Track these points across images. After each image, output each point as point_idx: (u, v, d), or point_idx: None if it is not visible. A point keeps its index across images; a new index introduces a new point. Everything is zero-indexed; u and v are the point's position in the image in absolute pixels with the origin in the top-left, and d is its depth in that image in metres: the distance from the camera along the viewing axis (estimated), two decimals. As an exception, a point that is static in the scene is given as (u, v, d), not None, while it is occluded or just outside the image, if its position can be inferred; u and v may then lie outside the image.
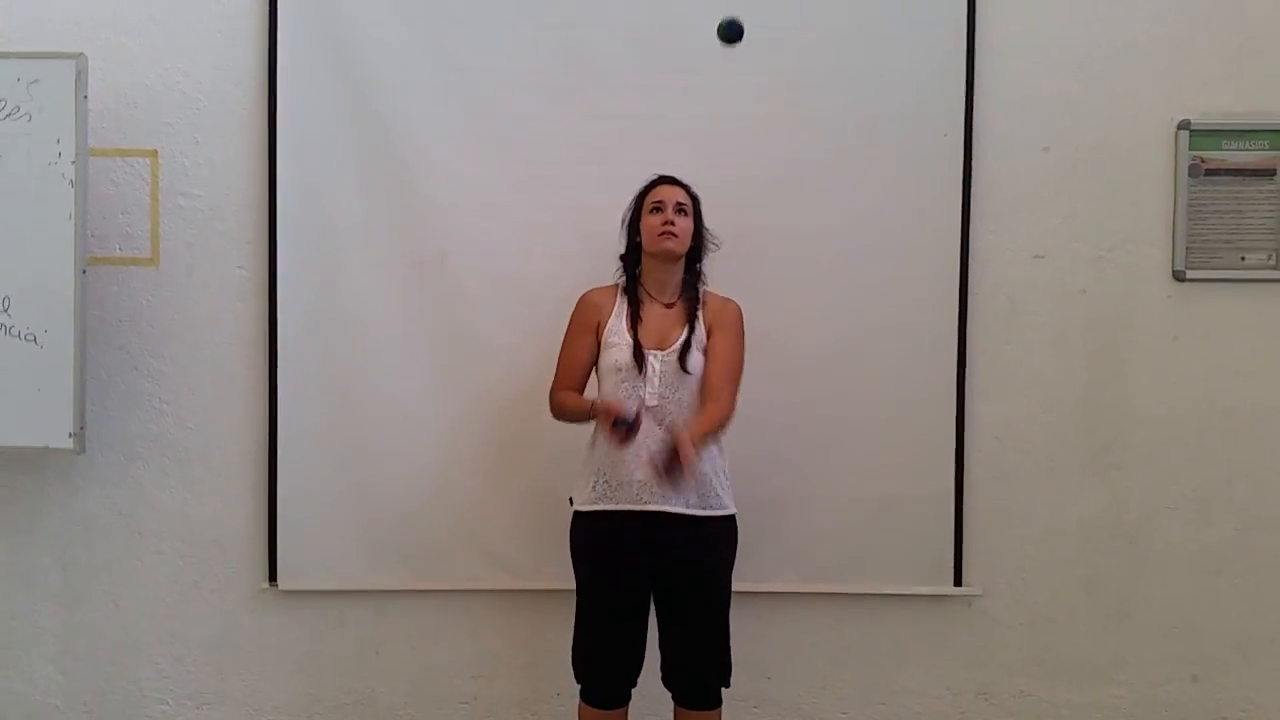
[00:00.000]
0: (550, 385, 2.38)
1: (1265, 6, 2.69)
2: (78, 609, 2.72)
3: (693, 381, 2.29)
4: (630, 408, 2.19)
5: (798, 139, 2.64)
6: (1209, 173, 2.71)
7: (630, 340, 2.29)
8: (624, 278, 2.39)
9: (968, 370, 2.69)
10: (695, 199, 2.38)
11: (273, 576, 2.68)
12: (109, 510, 2.71)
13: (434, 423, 2.65)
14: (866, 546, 2.70)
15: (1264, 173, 2.71)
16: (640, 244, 2.35)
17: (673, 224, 2.30)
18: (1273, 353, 2.74)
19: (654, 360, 2.27)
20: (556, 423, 2.61)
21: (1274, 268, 2.72)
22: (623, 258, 2.40)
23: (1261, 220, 2.71)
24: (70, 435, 2.46)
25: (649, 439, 2.22)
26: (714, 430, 2.24)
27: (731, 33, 2.43)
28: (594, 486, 2.29)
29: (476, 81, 2.63)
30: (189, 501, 2.70)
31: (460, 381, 2.65)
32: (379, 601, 2.71)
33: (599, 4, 2.63)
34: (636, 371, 2.27)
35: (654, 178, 2.39)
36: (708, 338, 2.34)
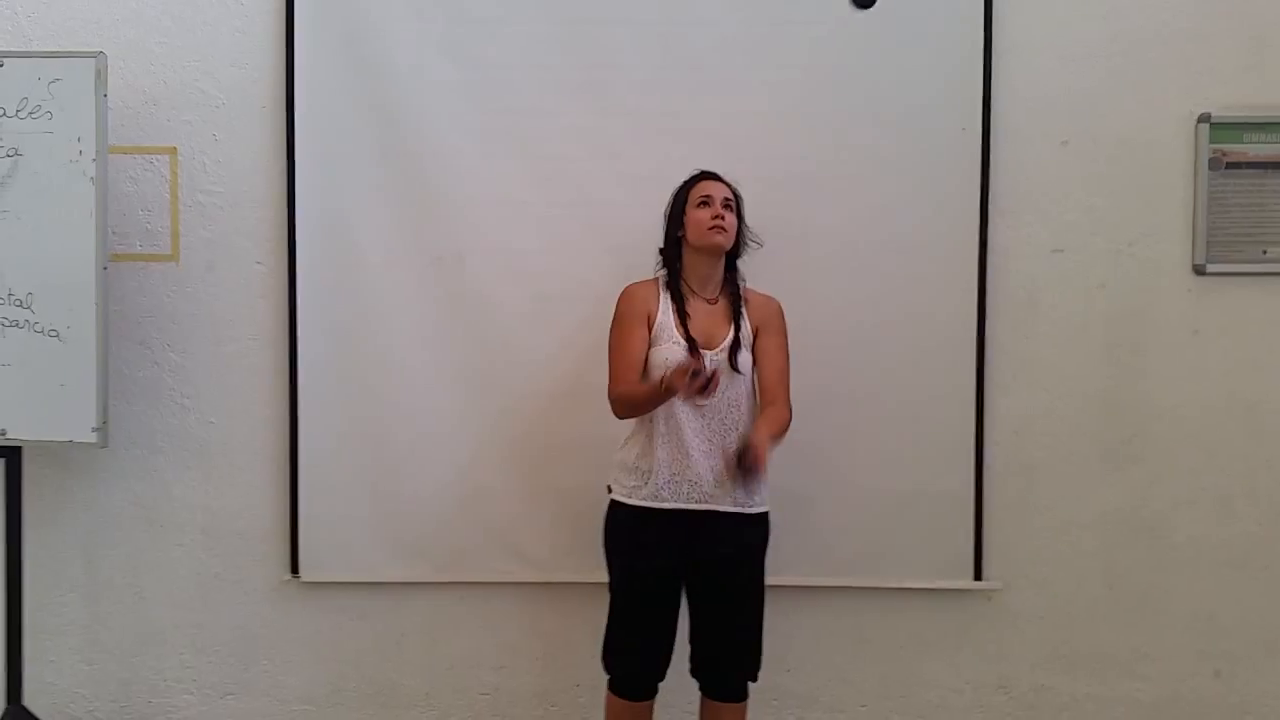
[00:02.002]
0: (608, 385, 2.30)
1: (1287, -3, 2.67)
2: (102, 600, 2.76)
3: (742, 381, 2.29)
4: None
5: (815, 134, 2.64)
6: (1230, 166, 2.69)
7: (683, 339, 2.27)
8: (665, 272, 2.38)
9: (987, 365, 2.68)
10: (738, 196, 2.38)
11: (295, 569, 2.70)
12: (132, 504, 2.73)
13: (453, 417, 2.66)
14: (887, 541, 2.69)
15: (1286, 165, 2.69)
16: (682, 238, 2.34)
17: (722, 218, 2.30)
18: (1295, 346, 2.72)
19: (707, 358, 2.26)
20: (574, 416, 2.64)
21: (1296, 260, 2.70)
22: (663, 251, 2.39)
23: (1284, 213, 2.70)
24: (94, 430, 2.48)
25: (699, 439, 2.25)
26: (779, 434, 2.25)
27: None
28: (643, 483, 2.28)
29: (493, 78, 2.63)
30: (211, 495, 2.72)
31: (479, 377, 2.66)
32: (399, 594, 2.72)
33: (614, 0, 2.62)
34: (694, 355, 2.25)
35: (697, 172, 2.39)
36: (754, 337, 2.34)
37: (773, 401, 2.30)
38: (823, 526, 2.67)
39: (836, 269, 2.65)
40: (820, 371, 2.62)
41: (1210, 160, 2.69)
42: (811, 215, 2.64)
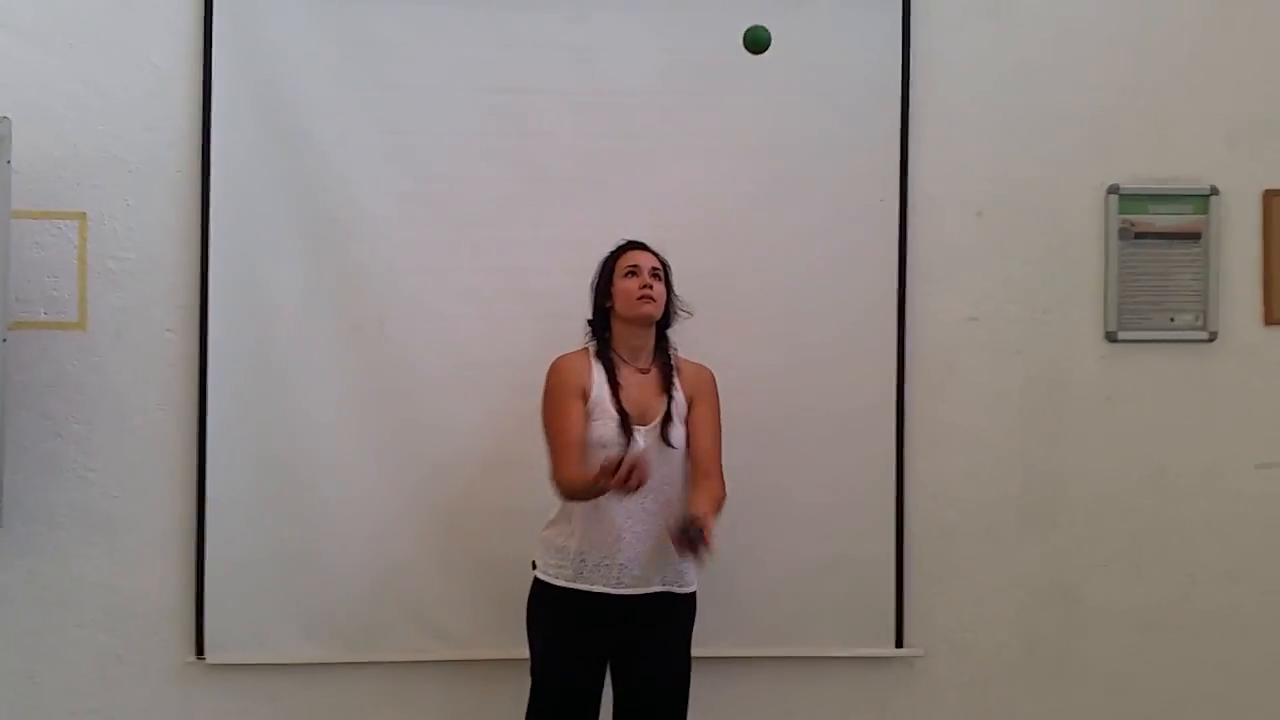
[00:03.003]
0: (552, 468, 2.23)
1: (1189, 75, 2.78)
2: (-6, 686, 2.62)
3: (675, 455, 2.26)
4: (635, 450, 2.12)
5: (736, 202, 2.66)
6: (1138, 236, 2.78)
7: (616, 414, 2.22)
8: (594, 343, 2.34)
9: (906, 430, 2.71)
10: (666, 264, 2.36)
11: (200, 650, 2.60)
12: (29, 582, 2.61)
13: (369, 491, 2.60)
14: (809, 608, 2.69)
15: (1190, 236, 2.78)
16: (610, 309, 2.32)
17: (650, 287, 2.28)
18: (1202, 411, 2.79)
19: (639, 435, 2.22)
20: (495, 488, 2.60)
21: (1201, 329, 2.78)
22: (591, 322, 2.35)
23: (1188, 282, 2.78)
24: (-12, 508, 2.38)
25: (631, 520, 2.21)
26: (718, 510, 2.20)
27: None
28: (568, 563, 2.24)
29: (416, 145, 2.61)
30: (114, 573, 2.61)
31: (397, 449, 2.61)
32: (310, 675, 2.63)
33: (538, 69, 2.63)
34: (624, 449, 2.18)
35: (623, 242, 2.36)
36: (689, 408, 2.31)
37: (707, 474, 2.26)
38: (745, 595, 2.65)
39: (758, 335, 2.67)
40: (741, 440, 2.59)
41: (1120, 230, 2.77)
42: (734, 282, 2.66)
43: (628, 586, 2.22)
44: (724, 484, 2.27)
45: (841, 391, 2.68)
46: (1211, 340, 2.78)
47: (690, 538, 2.05)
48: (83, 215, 2.61)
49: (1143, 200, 2.77)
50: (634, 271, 2.29)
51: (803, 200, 2.67)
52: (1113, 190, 2.76)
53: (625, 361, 2.31)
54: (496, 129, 2.63)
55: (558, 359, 2.31)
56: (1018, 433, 2.76)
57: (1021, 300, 2.76)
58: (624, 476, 1.99)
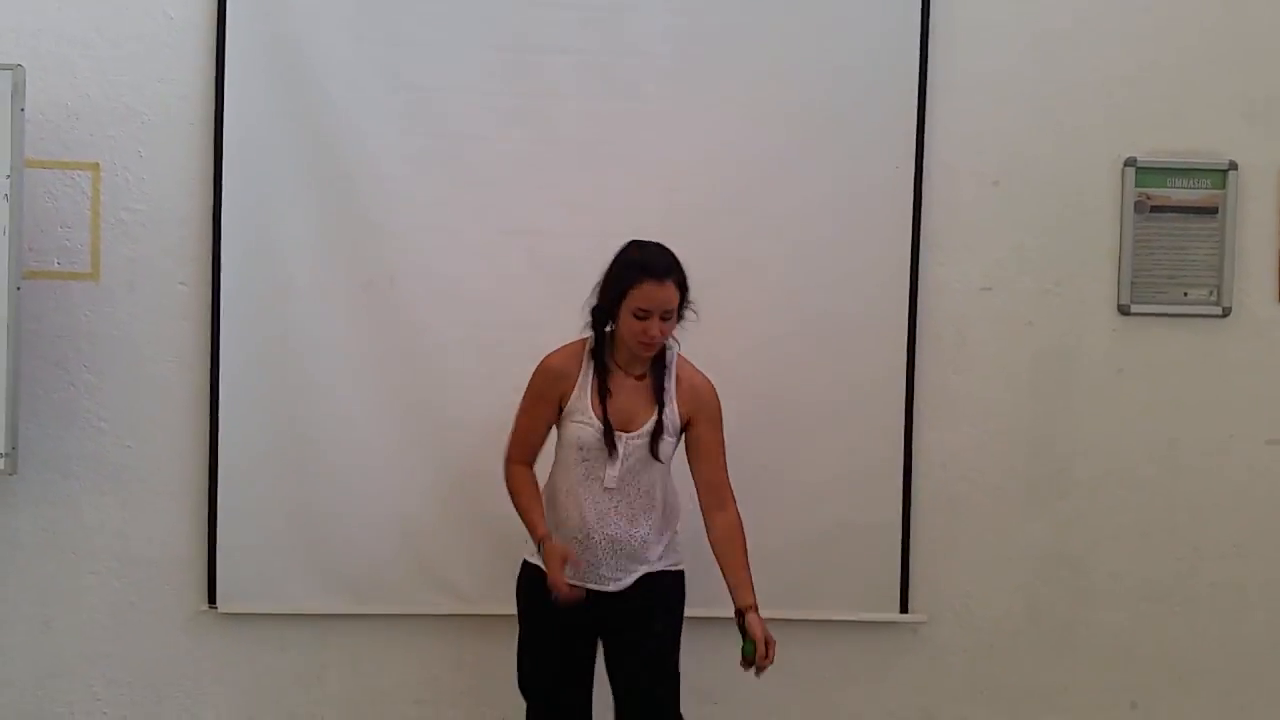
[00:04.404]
0: (506, 448, 2.28)
1: (1209, 49, 2.75)
2: (7, 631, 2.65)
3: (658, 469, 2.23)
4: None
5: (749, 169, 2.64)
6: (1154, 209, 2.76)
7: (599, 422, 2.17)
8: (591, 338, 2.22)
9: (916, 399, 2.71)
10: (684, 291, 2.18)
11: (212, 599, 2.62)
12: (42, 530, 2.63)
13: (379, 445, 2.61)
14: (815, 573, 2.70)
15: (1207, 210, 2.76)
16: (614, 318, 2.19)
17: (656, 337, 2.15)
18: (1213, 386, 2.79)
19: (622, 444, 2.18)
20: (502, 446, 2.60)
21: (1215, 303, 2.77)
22: (593, 316, 2.21)
23: (1204, 257, 2.76)
24: (2, 456, 2.39)
25: (602, 523, 2.19)
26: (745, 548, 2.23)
27: None
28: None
29: (429, 102, 2.60)
30: (126, 522, 2.64)
31: (407, 404, 2.62)
32: (321, 625, 2.66)
33: (553, 28, 2.61)
34: (604, 454, 2.17)
35: (639, 265, 2.15)
36: (687, 425, 2.24)
37: (722, 504, 2.23)
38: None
39: (768, 303, 2.67)
40: (750, 405, 2.61)
41: (1135, 203, 2.76)
42: (745, 249, 2.65)
43: (596, 584, 2.21)
44: (736, 505, 2.25)
45: (852, 360, 2.68)
46: (1225, 316, 2.77)
47: (755, 659, 2.14)
48: (96, 166, 2.60)
49: (1160, 174, 2.75)
50: (644, 315, 2.13)
51: (817, 167, 2.66)
52: (1130, 163, 2.74)
53: (619, 366, 2.23)
54: (510, 88, 2.61)
55: (549, 357, 2.25)
56: (1028, 404, 2.76)
57: (1035, 272, 2.75)
58: (553, 583, 2.08)
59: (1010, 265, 2.75)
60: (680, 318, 2.20)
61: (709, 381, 2.28)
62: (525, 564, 2.29)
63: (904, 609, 2.73)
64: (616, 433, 2.17)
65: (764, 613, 2.64)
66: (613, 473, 2.18)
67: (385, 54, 2.59)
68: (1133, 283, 2.76)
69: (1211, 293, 2.77)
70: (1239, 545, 2.80)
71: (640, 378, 2.23)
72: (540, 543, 2.17)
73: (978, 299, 2.74)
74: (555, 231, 2.62)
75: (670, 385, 2.24)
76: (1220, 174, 2.75)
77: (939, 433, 2.73)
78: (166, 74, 2.60)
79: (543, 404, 2.23)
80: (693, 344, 2.52)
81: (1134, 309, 2.76)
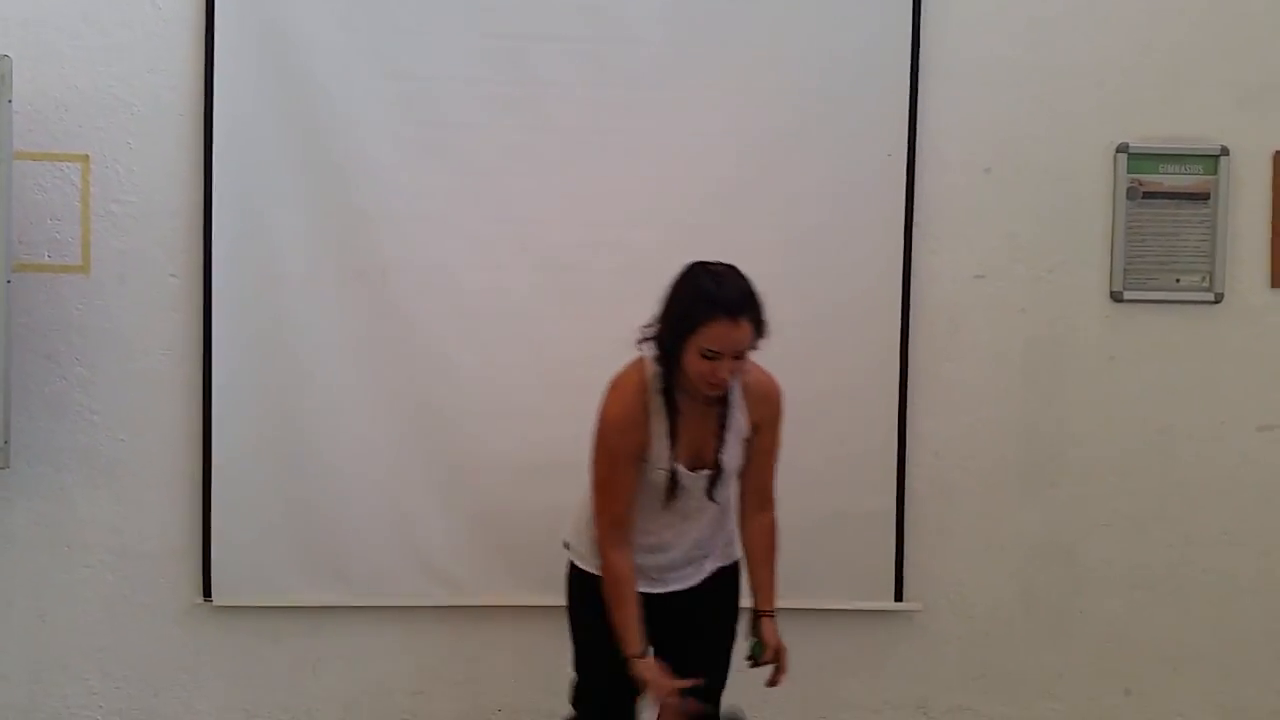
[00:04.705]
0: (596, 516, 2.03)
1: (1201, 35, 2.74)
2: (2, 626, 2.64)
3: (729, 482, 2.09)
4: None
5: (742, 156, 2.64)
6: (1146, 196, 2.76)
7: (668, 460, 1.99)
8: (654, 369, 1.97)
9: (909, 388, 2.71)
10: (760, 324, 1.93)
11: (207, 592, 2.62)
12: (36, 524, 2.63)
13: (373, 435, 2.61)
14: (809, 562, 2.69)
15: (1198, 197, 2.76)
16: (678, 353, 1.93)
17: (725, 380, 1.92)
18: (1206, 373, 2.80)
19: (692, 482, 2.01)
20: (496, 437, 2.60)
21: (1207, 290, 2.77)
22: (657, 344, 1.96)
23: (1196, 243, 2.77)
24: (-6, 448, 2.39)
25: (682, 537, 2.07)
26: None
27: None
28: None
29: (421, 91, 2.59)
30: (120, 515, 2.63)
31: (402, 395, 2.61)
32: (315, 617, 2.66)
33: (546, 16, 2.60)
34: (673, 494, 2.01)
35: (710, 300, 1.88)
36: (754, 431, 2.06)
37: (763, 507, 2.12)
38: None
39: (764, 288, 2.63)
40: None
41: (1128, 190, 2.76)
42: (737, 237, 2.60)
43: (668, 585, 2.09)
44: (775, 511, 2.16)
45: (845, 348, 2.68)
46: (1217, 302, 2.77)
47: (764, 662, 2.12)
48: (85, 157, 2.59)
49: (1152, 160, 2.75)
50: (713, 355, 1.89)
51: (809, 155, 2.65)
52: (1122, 149, 2.74)
53: (687, 394, 1.98)
54: (501, 76, 2.60)
55: (610, 409, 1.98)
56: (1021, 391, 2.76)
57: (1027, 259, 2.75)
58: (665, 701, 1.94)
59: (1003, 252, 2.75)
60: (754, 349, 1.95)
61: (775, 381, 2.09)
62: (577, 570, 2.12)
63: (899, 597, 2.74)
64: (692, 474, 2.01)
65: (759, 602, 2.71)
66: (693, 504, 2.04)
67: (376, 43, 2.58)
68: (1125, 269, 2.76)
69: (1204, 279, 2.77)
70: (1231, 532, 2.80)
71: (707, 401, 2.01)
72: (632, 659, 1.97)
73: (970, 286, 2.74)
74: (548, 220, 2.62)
75: (736, 406, 2.03)
76: (1212, 160, 2.75)
77: (932, 421, 2.73)
78: (156, 65, 2.58)
79: (624, 463, 1.98)
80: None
81: (1126, 296, 2.76)
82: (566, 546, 2.17)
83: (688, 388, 1.96)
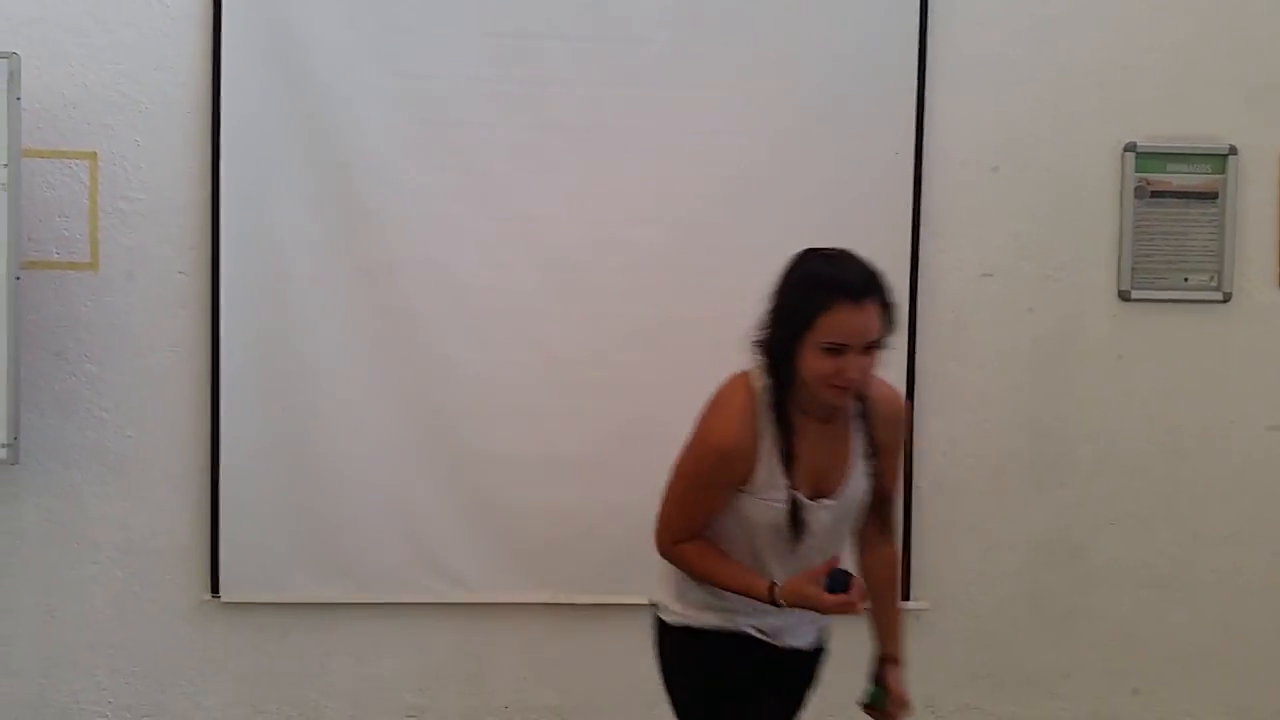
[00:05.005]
0: (660, 526, 1.80)
1: (1209, 33, 2.74)
2: (11, 621, 2.65)
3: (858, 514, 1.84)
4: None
5: (748, 155, 2.63)
6: (1154, 195, 2.75)
7: (787, 495, 1.71)
8: (766, 383, 1.71)
9: (916, 386, 2.71)
10: (888, 310, 1.68)
11: (215, 588, 2.63)
12: (45, 520, 2.63)
13: (381, 432, 2.61)
14: (815, 560, 2.70)
15: (1207, 196, 2.75)
16: (793, 354, 1.67)
17: (854, 379, 1.64)
18: (1214, 372, 2.79)
19: (815, 516, 1.73)
20: (502, 435, 2.60)
21: (1215, 289, 2.77)
22: (765, 353, 1.71)
23: (1204, 242, 2.76)
24: (4, 446, 2.39)
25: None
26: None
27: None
28: (714, 607, 1.81)
29: (426, 89, 2.59)
30: (128, 511, 2.64)
31: (408, 393, 2.61)
32: (323, 614, 2.66)
33: (550, 14, 2.60)
34: (797, 530, 1.73)
35: (828, 283, 1.64)
36: (878, 454, 1.79)
37: (886, 535, 1.88)
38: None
39: (768, 288, 2.64)
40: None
41: (1135, 189, 2.75)
42: (741, 236, 2.63)
43: (783, 641, 1.83)
44: (896, 541, 1.95)
45: (852, 346, 2.68)
46: (1225, 301, 2.77)
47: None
48: (93, 155, 2.60)
49: (1160, 159, 2.75)
50: (837, 349, 1.62)
51: (816, 153, 2.65)
52: (1129, 148, 2.74)
53: (803, 410, 1.73)
54: (506, 75, 2.60)
55: (719, 433, 1.71)
56: (1028, 390, 2.76)
57: (1035, 258, 2.74)
58: (837, 607, 1.65)
59: (1010, 251, 2.74)
60: (882, 347, 1.68)
61: (900, 397, 1.87)
62: (668, 628, 1.86)
63: (906, 596, 2.72)
64: (813, 504, 1.73)
65: (765, 599, 2.70)
66: (812, 543, 1.75)
67: (382, 41, 2.58)
68: (1133, 268, 2.75)
69: (1212, 278, 2.77)
70: (1239, 531, 2.80)
71: (827, 420, 1.74)
72: (773, 591, 1.71)
73: (978, 285, 2.74)
74: (552, 218, 2.62)
75: (858, 424, 1.77)
76: (1220, 159, 2.74)
77: (940, 419, 2.73)
78: (163, 62, 2.59)
79: (715, 490, 1.73)
80: (686, 335, 2.53)
81: (1134, 295, 2.75)
82: (654, 607, 1.90)
83: (805, 401, 1.70)
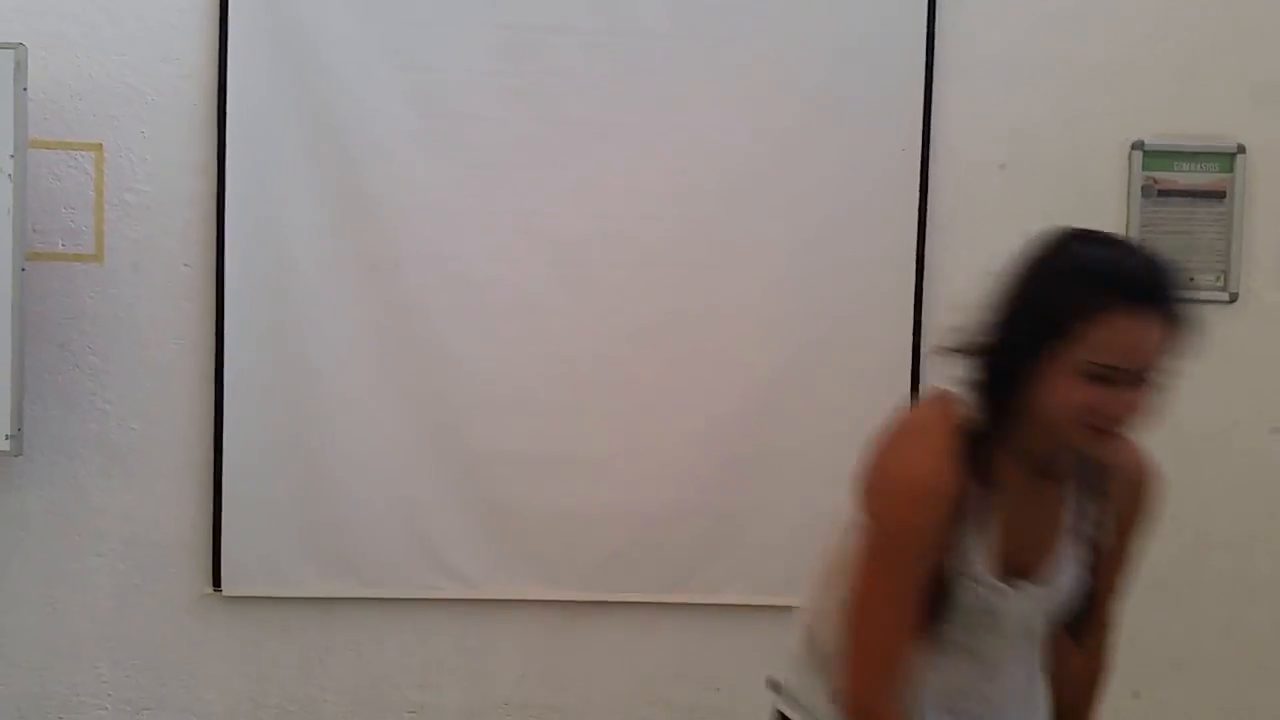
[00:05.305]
0: (849, 674, 1.30)
1: (1217, 31, 2.73)
2: (13, 612, 2.65)
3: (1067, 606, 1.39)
4: None
5: (755, 151, 2.62)
6: (1161, 193, 2.75)
7: (989, 569, 1.28)
8: (973, 412, 1.26)
9: (922, 384, 2.70)
10: (1179, 328, 1.23)
11: (216, 582, 2.63)
12: (48, 512, 2.63)
13: (384, 427, 2.61)
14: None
15: (1214, 195, 2.74)
16: (1027, 375, 1.23)
17: (1122, 417, 1.20)
18: (1219, 373, 2.77)
19: (1007, 605, 1.29)
20: (507, 431, 2.60)
21: (1222, 289, 2.76)
22: (987, 360, 1.26)
23: (1211, 242, 2.75)
24: (8, 438, 2.39)
25: (1013, 666, 1.37)
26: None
27: None
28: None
29: (434, 82, 2.58)
30: (131, 504, 2.63)
31: (412, 387, 2.61)
32: (325, 609, 2.66)
33: (559, 7, 2.59)
34: (994, 615, 1.31)
35: (1106, 278, 1.20)
36: (1110, 529, 1.35)
37: (1097, 638, 1.44)
38: (755, 545, 2.66)
39: (773, 287, 2.65)
40: (756, 390, 2.62)
41: (1143, 187, 2.74)
42: (750, 232, 2.63)
43: None
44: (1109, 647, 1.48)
45: (858, 345, 2.66)
46: (1232, 301, 2.76)
47: None
48: (99, 146, 2.59)
49: (1167, 157, 2.74)
50: (1106, 374, 1.18)
51: (822, 150, 2.64)
52: (1137, 146, 2.73)
53: (1016, 456, 1.28)
54: (514, 68, 2.59)
55: (914, 468, 1.25)
56: (1033, 389, 2.75)
57: (1042, 256, 2.74)
58: None
59: (1017, 249, 2.73)
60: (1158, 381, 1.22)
61: (1152, 459, 1.40)
62: None
63: (908, 594, 2.73)
64: (1019, 587, 1.29)
65: (767, 600, 2.67)
66: (1005, 642, 1.35)
67: (390, 34, 2.57)
68: (1140, 268, 2.75)
69: (1218, 278, 2.76)
70: (1243, 534, 2.79)
71: (1046, 473, 1.30)
72: None
73: (984, 283, 2.72)
74: (560, 212, 2.61)
75: (1089, 488, 1.33)
76: (1228, 158, 2.73)
77: (944, 418, 2.72)
78: (170, 54, 2.58)
79: (918, 558, 1.24)
80: (693, 332, 2.53)
81: (1140, 294, 2.75)
82: (775, 689, 1.48)
83: (1020, 441, 1.25)
